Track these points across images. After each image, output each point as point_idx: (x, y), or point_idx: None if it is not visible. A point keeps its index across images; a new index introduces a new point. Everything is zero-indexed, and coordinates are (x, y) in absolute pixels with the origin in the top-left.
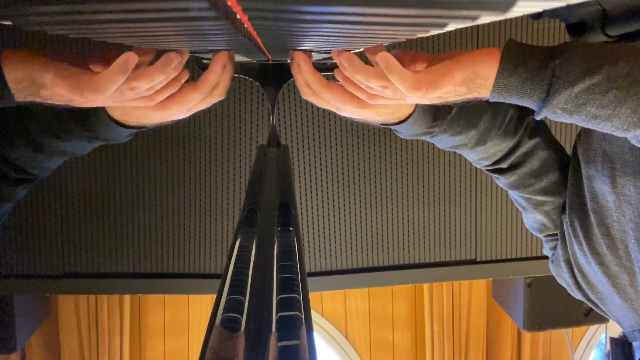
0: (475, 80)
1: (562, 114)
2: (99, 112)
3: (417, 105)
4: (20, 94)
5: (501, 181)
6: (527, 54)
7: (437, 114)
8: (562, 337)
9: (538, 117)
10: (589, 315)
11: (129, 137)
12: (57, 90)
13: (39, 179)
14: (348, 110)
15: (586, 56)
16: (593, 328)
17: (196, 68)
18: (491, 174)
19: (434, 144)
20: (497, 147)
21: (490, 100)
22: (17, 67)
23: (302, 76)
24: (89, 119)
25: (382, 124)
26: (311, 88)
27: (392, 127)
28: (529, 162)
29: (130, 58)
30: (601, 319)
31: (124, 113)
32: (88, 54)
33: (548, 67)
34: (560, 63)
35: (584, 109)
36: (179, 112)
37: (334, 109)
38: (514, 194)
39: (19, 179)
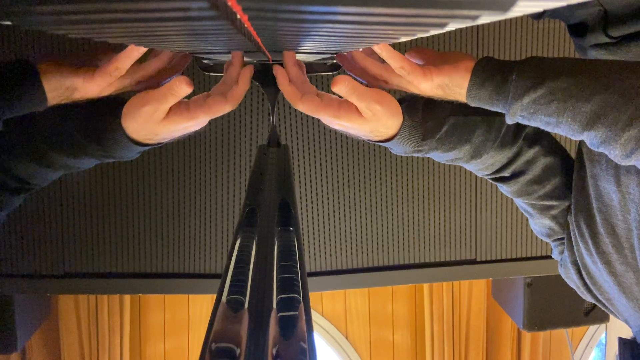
0: (450, 86)
1: (522, 120)
2: (117, 134)
3: (402, 126)
4: (55, 100)
5: (504, 189)
6: (494, 70)
7: (426, 133)
8: (562, 337)
9: (508, 122)
10: (589, 315)
11: (138, 154)
12: (89, 89)
13: (37, 188)
14: (326, 121)
15: (535, 71)
16: (593, 328)
17: (197, 68)
18: (494, 183)
19: None
20: (494, 158)
21: (470, 105)
22: (53, 76)
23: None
24: (105, 139)
25: (369, 140)
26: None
27: (382, 144)
28: (531, 170)
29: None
30: (601, 319)
31: (150, 132)
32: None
33: (508, 81)
34: (515, 78)
35: (537, 116)
36: (203, 122)
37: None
38: (519, 201)
39: (18, 189)
